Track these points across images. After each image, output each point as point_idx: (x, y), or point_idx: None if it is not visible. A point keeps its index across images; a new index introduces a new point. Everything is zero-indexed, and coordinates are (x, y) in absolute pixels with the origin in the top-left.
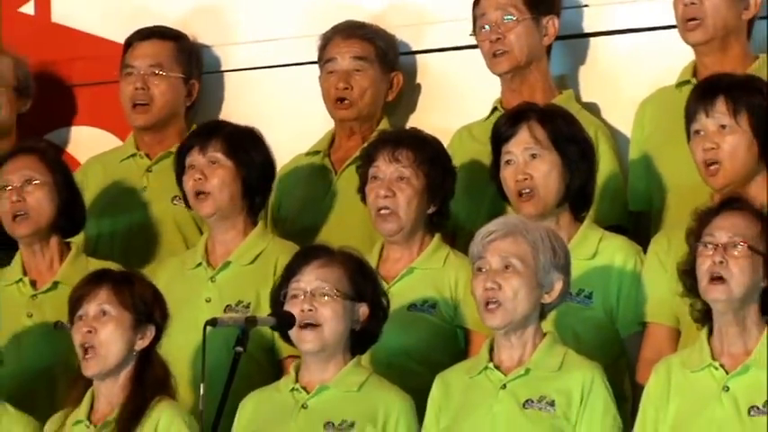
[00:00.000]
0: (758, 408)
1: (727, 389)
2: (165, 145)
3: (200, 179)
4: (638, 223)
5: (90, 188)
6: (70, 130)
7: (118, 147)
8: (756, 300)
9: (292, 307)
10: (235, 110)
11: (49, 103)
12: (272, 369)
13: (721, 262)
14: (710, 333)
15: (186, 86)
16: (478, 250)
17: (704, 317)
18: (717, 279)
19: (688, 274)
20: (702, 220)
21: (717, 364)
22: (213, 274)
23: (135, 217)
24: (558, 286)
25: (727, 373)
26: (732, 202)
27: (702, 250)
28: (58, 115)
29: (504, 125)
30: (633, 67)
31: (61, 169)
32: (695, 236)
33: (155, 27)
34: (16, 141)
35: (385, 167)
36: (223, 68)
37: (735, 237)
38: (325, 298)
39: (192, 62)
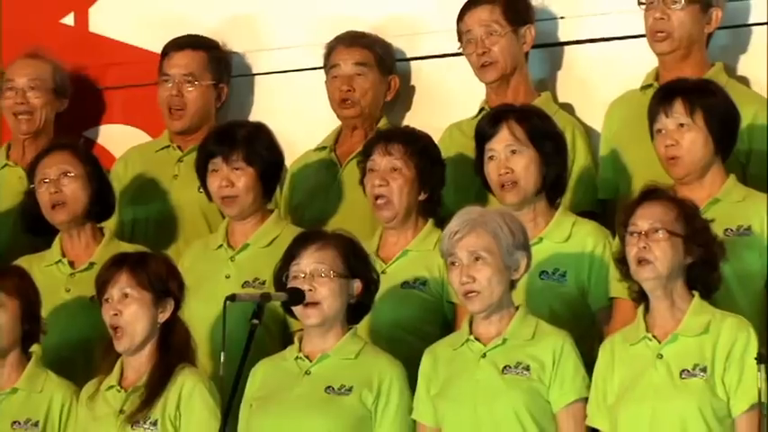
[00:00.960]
0: (688, 371)
1: (660, 356)
2: (196, 139)
3: (226, 186)
4: (606, 210)
5: (129, 175)
6: (103, 128)
7: (155, 139)
8: (681, 276)
9: None
10: (253, 110)
11: (85, 103)
12: (283, 340)
13: (644, 247)
14: (647, 310)
15: (216, 90)
16: (448, 248)
17: (640, 296)
18: (642, 262)
19: (622, 262)
20: (627, 212)
21: (650, 335)
22: (233, 255)
23: (166, 202)
24: (523, 262)
25: (659, 342)
26: (650, 193)
27: (629, 239)
28: (92, 115)
29: (487, 125)
30: (604, 72)
31: (93, 162)
32: (623, 226)
33: (189, 37)
34: (54, 138)
35: (379, 160)
36: (242, 73)
37: (655, 224)
38: (323, 278)
39: (222, 69)
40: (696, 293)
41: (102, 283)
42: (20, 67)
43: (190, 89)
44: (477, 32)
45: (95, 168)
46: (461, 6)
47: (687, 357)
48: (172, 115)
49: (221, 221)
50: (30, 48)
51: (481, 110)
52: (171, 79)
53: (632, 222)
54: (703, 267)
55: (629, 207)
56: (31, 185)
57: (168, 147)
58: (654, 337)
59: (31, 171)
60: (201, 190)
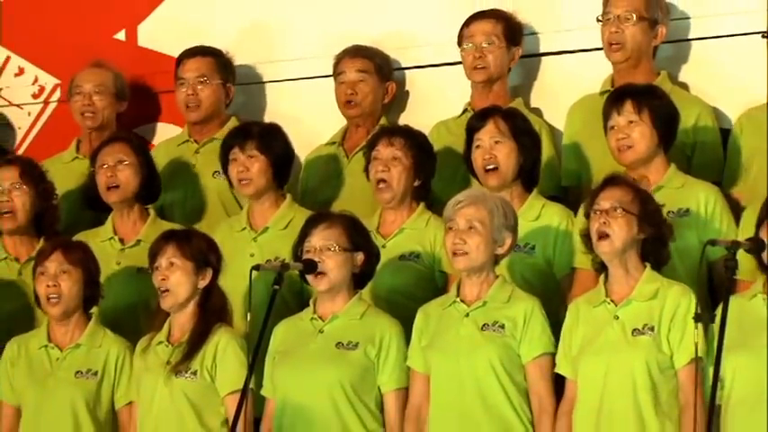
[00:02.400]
0: (639, 330)
1: (616, 317)
2: (210, 132)
3: (242, 170)
4: (569, 195)
5: (159, 164)
6: (154, 125)
7: (177, 135)
8: (635, 250)
9: None
10: (273, 111)
11: (137, 105)
12: (300, 306)
13: (605, 222)
14: (606, 278)
15: (224, 89)
16: (449, 214)
17: (601, 266)
18: (603, 236)
19: (587, 237)
20: (593, 195)
21: (609, 300)
22: (255, 236)
23: (187, 188)
24: (509, 241)
25: (616, 306)
26: (612, 179)
27: (593, 216)
28: (144, 114)
29: (476, 119)
30: (566, 81)
31: (144, 153)
32: (589, 205)
33: (199, 46)
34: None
35: (383, 150)
36: (264, 80)
37: (614, 203)
38: (330, 251)
39: (228, 71)
40: (648, 265)
41: (154, 254)
42: (86, 75)
43: (202, 88)
44: (479, 39)
45: (146, 158)
46: (469, 15)
47: (638, 318)
48: (188, 110)
49: (234, 203)
50: (94, 59)
51: (464, 110)
52: (186, 82)
53: (596, 203)
54: (654, 243)
55: (595, 191)
56: (92, 169)
57: (187, 141)
58: (612, 301)
59: (93, 157)
60: (215, 176)
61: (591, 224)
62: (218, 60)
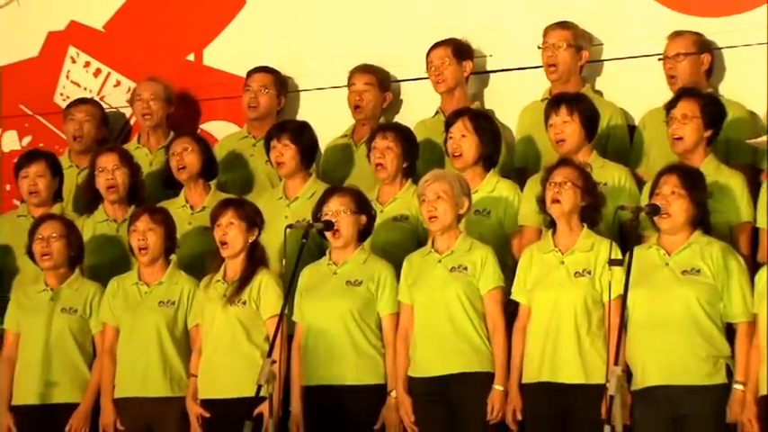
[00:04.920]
0: (579, 272)
1: (562, 263)
2: (263, 129)
3: (278, 156)
4: (519, 174)
5: (222, 153)
6: (216, 123)
7: (238, 131)
8: (577, 213)
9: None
10: (304, 112)
11: (202, 107)
12: (319, 254)
13: (557, 192)
14: (554, 232)
15: (277, 99)
16: (421, 189)
17: (551, 223)
18: (555, 201)
19: (542, 201)
20: (548, 171)
21: (556, 249)
22: (288, 203)
23: (246, 170)
24: (466, 204)
25: (562, 254)
26: (564, 161)
27: (548, 186)
28: (205, 114)
29: (451, 118)
30: (515, 90)
31: (203, 142)
32: (545, 179)
33: (262, 66)
34: (167, 130)
35: (380, 141)
36: (299, 89)
37: (564, 178)
38: (342, 214)
39: (282, 85)
40: (585, 225)
41: (216, 215)
42: (144, 86)
43: (262, 95)
44: (436, 62)
45: (205, 146)
46: (429, 47)
47: (579, 264)
48: (249, 109)
49: (278, 183)
50: (151, 74)
51: (436, 112)
52: (251, 89)
53: (551, 177)
54: (592, 209)
55: (550, 168)
56: (166, 157)
57: (247, 136)
58: (559, 250)
59: (167, 147)
60: (267, 164)
61: (546, 192)
62: (276, 77)
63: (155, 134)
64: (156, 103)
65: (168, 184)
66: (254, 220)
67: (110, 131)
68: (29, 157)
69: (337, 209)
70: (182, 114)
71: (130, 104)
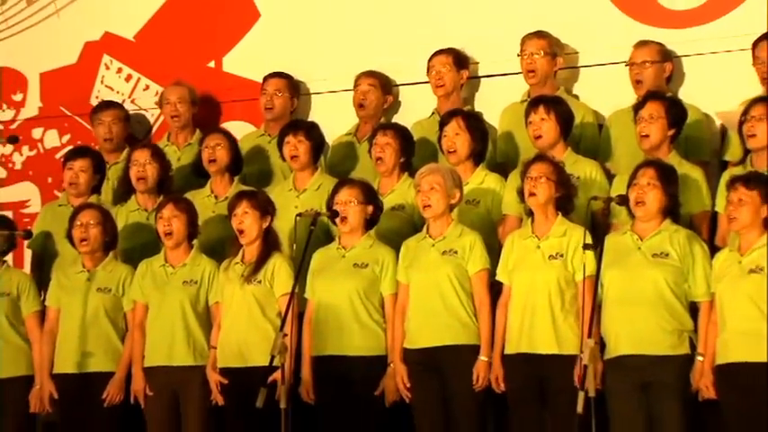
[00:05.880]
0: (553, 255)
1: (539, 247)
2: (278, 129)
3: (293, 150)
4: (503, 168)
5: (243, 150)
6: (235, 123)
7: (256, 130)
8: (552, 203)
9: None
10: (315, 114)
11: (222, 109)
12: (326, 240)
13: (534, 185)
14: (533, 220)
15: (291, 101)
16: (417, 181)
17: (529, 212)
18: (532, 194)
19: (521, 193)
20: (525, 166)
21: (534, 235)
22: (298, 194)
23: (263, 164)
24: (458, 194)
25: (539, 239)
26: (540, 157)
27: (526, 180)
28: (225, 115)
29: (445, 118)
30: (500, 93)
31: (232, 139)
32: (523, 173)
33: (279, 71)
34: (192, 128)
35: (380, 139)
36: (310, 92)
37: (540, 173)
38: (350, 205)
39: (295, 89)
40: (560, 213)
41: (232, 206)
42: (171, 90)
43: (277, 98)
44: (438, 68)
45: (234, 144)
46: (431, 54)
47: (553, 248)
48: (266, 110)
49: (290, 175)
50: (176, 79)
51: (432, 113)
52: (267, 93)
53: (528, 172)
54: (565, 199)
55: (528, 163)
56: (199, 148)
57: (264, 135)
58: (536, 236)
59: (200, 142)
60: (281, 158)
61: (524, 185)
62: (289, 82)
63: (182, 133)
64: (182, 106)
65: (198, 172)
66: (266, 208)
67: (141, 130)
68: (76, 152)
69: (346, 199)
70: (204, 115)
71: (159, 107)
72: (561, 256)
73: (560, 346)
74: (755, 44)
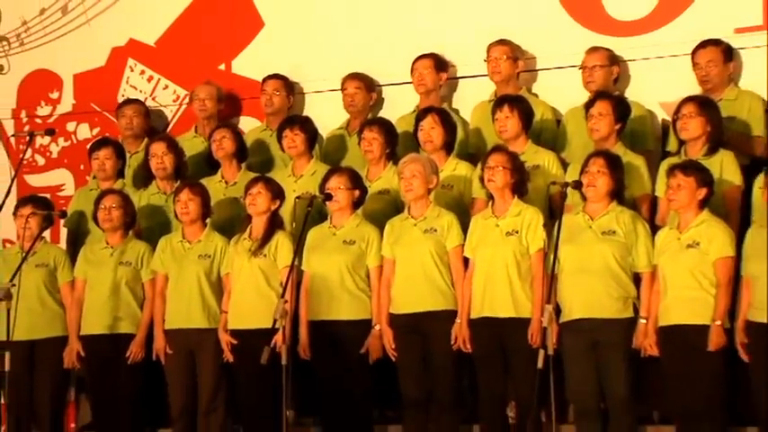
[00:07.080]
0: (509, 232)
1: (497, 225)
2: (278, 124)
3: (290, 141)
4: (472, 158)
5: (248, 141)
6: (242, 119)
7: (260, 125)
8: (509, 188)
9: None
10: (309, 110)
11: (234, 107)
12: (321, 219)
13: (492, 173)
14: (493, 203)
15: (288, 99)
16: (400, 169)
17: (489, 196)
18: (491, 181)
19: (482, 180)
20: (486, 157)
21: (494, 216)
22: (296, 180)
23: (265, 154)
24: (435, 180)
25: (497, 219)
26: (497, 148)
27: (486, 170)
28: (236, 112)
29: (421, 114)
30: (471, 93)
31: (237, 132)
32: (483, 163)
33: (276, 73)
34: (218, 122)
35: (367, 132)
36: (304, 92)
37: (495, 163)
38: (340, 189)
39: (291, 89)
40: (516, 196)
41: (247, 188)
42: (200, 89)
43: (276, 97)
44: (421, 71)
45: (238, 135)
46: (413, 58)
47: (510, 226)
48: (266, 107)
49: (289, 163)
50: (205, 78)
51: (414, 110)
52: (266, 92)
53: (487, 162)
54: (520, 184)
55: (487, 154)
56: (208, 141)
57: (266, 129)
58: (495, 216)
59: (210, 136)
60: (281, 149)
61: (484, 173)
62: (285, 82)
63: (209, 125)
64: (209, 102)
65: (211, 164)
66: (277, 193)
67: (160, 124)
68: (100, 143)
69: (336, 185)
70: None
71: (189, 103)
72: (517, 232)
73: (516, 311)
74: (694, 52)
